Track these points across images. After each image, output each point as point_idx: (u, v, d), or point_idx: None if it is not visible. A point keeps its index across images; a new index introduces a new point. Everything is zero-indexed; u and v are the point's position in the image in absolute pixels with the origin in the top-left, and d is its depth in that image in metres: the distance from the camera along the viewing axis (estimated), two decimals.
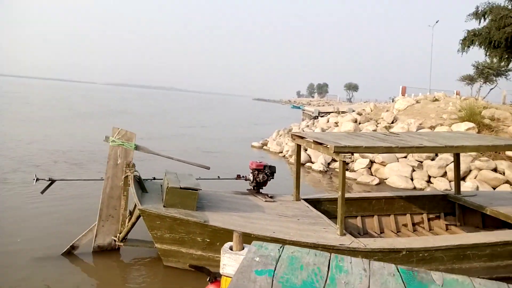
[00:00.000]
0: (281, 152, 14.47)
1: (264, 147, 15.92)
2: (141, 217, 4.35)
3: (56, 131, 15.68)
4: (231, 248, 1.50)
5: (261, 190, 5.77)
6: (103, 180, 4.88)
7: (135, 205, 4.98)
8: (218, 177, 6.11)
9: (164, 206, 4.36)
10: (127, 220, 4.79)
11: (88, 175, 8.31)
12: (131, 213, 4.93)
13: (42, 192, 4.88)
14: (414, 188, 9.95)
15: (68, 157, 10.69)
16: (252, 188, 5.79)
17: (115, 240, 4.82)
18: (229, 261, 1.42)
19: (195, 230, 4.24)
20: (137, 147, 4.75)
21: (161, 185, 5.13)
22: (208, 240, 4.27)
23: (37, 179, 4.77)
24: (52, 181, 4.81)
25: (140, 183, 4.77)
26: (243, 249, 1.48)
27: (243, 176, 5.91)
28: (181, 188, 4.40)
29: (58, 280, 4.32)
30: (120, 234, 4.77)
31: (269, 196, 5.61)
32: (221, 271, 1.47)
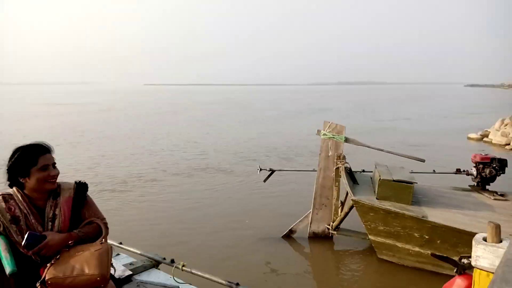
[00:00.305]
0: (508, 145, 12.20)
1: (484, 138, 13.79)
2: (354, 207, 4.41)
3: (268, 129, 17.66)
4: (484, 239, 1.34)
5: (487, 187, 5.00)
6: (315, 171, 5.18)
7: (346, 196, 5.09)
8: (434, 171, 5.63)
9: (376, 198, 4.30)
10: (339, 210, 4.94)
11: (299, 167, 8.98)
12: (342, 203, 5.07)
13: (265, 181, 5.55)
14: None
15: (279, 151, 11.90)
16: (475, 184, 5.08)
17: (328, 228, 5.05)
18: (484, 253, 1.28)
19: (412, 225, 4.01)
20: (346, 140, 4.84)
21: (371, 178, 5.08)
22: (426, 237, 3.98)
23: (260, 169, 5.44)
24: (273, 171, 5.41)
25: (351, 175, 4.84)
26: (501, 241, 1.30)
27: (464, 171, 5.25)
28: (394, 180, 4.24)
29: (279, 258, 4.83)
30: (333, 223, 4.96)
31: (498, 193, 4.81)
32: (473, 263, 1.34)
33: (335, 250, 5.09)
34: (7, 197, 1.93)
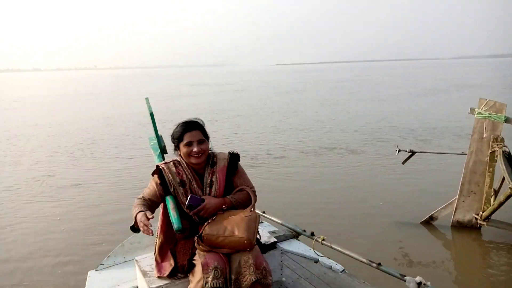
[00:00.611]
0: None
1: None
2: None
3: (401, 109, 16.44)
4: None
5: None
6: (464, 154, 4.66)
7: (502, 183, 4.48)
8: None
9: None
10: (492, 199, 4.38)
11: (439, 150, 8.22)
12: (496, 192, 4.48)
13: (403, 163, 5.23)
14: None
15: (415, 133, 11.00)
16: None
17: (476, 218, 4.54)
18: None
19: None
20: (507, 120, 4.20)
21: None
22: None
23: (399, 150, 5.13)
24: (413, 153, 5.05)
25: (509, 160, 4.22)
26: None
27: None
28: None
29: (417, 244, 4.54)
30: (483, 212, 4.44)
31: None
32: None
33: (483, 243, 4.57)
34: (176, 163, 2.25)
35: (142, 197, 2.15)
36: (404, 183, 6.65)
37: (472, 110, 4.39)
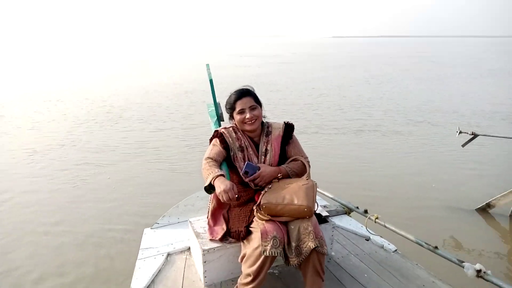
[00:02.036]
0: None
1: None
2: None
3: (457, 91, 15.35)
4: None
5: None
6: None
7: None
8: None
9: None
10: None
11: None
12: None
13: (463, 145, 4.94)
14: None
15: (468, 118, 10.32)
16: None
17: None
18: None
19: None
20: None
21: None
22: None
23: (460, 132, 4.84)
24: (475, 136, 4.74)
25: None
26: None
27: None
28: None
29: (471, 231, 4.35)
30: None
31: None
32: None
33: None
34: (235, 129, 2.27)
35: (210, 158, 2.14)
36: (461, 167, 6.34)
37: None
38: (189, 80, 18.34)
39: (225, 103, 2.31)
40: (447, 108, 11.44)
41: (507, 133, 7.41)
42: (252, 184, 2.18)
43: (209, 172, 2.01)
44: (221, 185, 1.90)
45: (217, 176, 1.97)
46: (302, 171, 2.24)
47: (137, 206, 4.95)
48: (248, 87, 2.29)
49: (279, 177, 2.15)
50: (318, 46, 77.00)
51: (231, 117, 2.30)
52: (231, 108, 2.25)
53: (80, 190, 5.49)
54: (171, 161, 6.73)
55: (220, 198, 1.90)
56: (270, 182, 2.13)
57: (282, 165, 2.24)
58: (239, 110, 2.20)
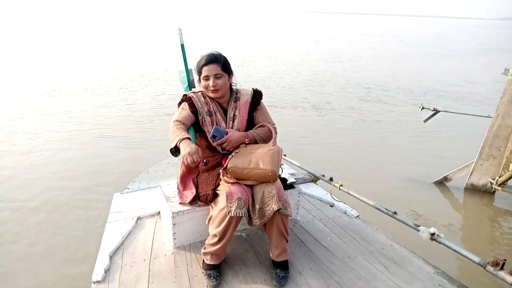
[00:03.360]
0: None
1: None
2: None
3: (422, 68, 15.72)
4: None
5: None
6: (490, 117, 4.57)
7: None
8: None
9: None
10: (511, 165, 4.34)
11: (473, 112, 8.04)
12: None
13: (425, 121, 5.16)
14: None
15: (432, 94, 10.71)
16: None
17: (492, 183, 4.54)
18: None
19: None
20: None
21: None
22: None
23: (423, 108, 5.05)
24: (436, 111, 4.97)
25: None
26: None
27: None
28: None
29: (428, 203, 4.60)
30: (499, 177, 4.42)
31: None
32: None
33: (494, 207, 4.59)
34: (204, 94, 2.28)
35: (178, 120, 2.14)
36: (424, 142, 6.63)
37: (506, 71, 4.22)
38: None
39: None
40: (404, 86, 11.80)
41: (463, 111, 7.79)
42: (219, 148, 2.21)
43: (176, 135, 2.02)
44: (186, 148, 1.91)
45: (183, 139, 1.98)
46: (269, 137, 2.29)
47: (105, 175, 4.89)
48: (216, 53, 2.25)
49: (246, 142, 2.19)
50: (288, 22, 76.20)
51: (199, 81, 2.29)
52: (198, 73, 2.25)
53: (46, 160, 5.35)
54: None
55: (184, 160, 1.91)
56: (237, 147, 2.18)
57: (250, 131, 2.28)
58: (204, 76, 2.20)
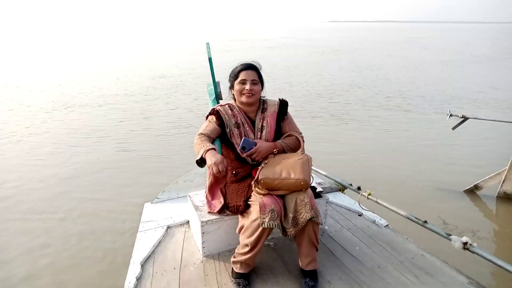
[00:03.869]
0: None
1: None
2: None
3: (442, 76, 15.30)
4: None
5: None
6: None
7: None
8: None
9: None
10: None
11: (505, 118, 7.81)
12: None
13: (454, 128, 5.03)
14: None
15: (455, 101, 10.46)
16: None
17: None
18: None
19: None
20: None
21: None
22: None
23: (451, 115, 4.93)
24: (465, 118, 4.84)
25: None
26: None
27: None
28: None
29: (459, 212, 4.47)
30: None
31: None
32: None
33: None
34: (231, 106, 2.32)
35: (203, 133, 2.19)
36: (451, 150, 6.48)
37: None
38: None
39: (230, 72, 2.34)
40: (427, 94, 11.57)
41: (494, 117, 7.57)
42: (249, 159, 2.25)
43: (201, 146, 2.07)
44: (212, 158, 1.96)
45: (208, 149, 2.03)
46: (296, 146, 2.31)
47: (136, 186, 5.01)
48: (255, 62, 2.33)
49: (275, 152, 2.22)
50: (311, 31, 76.17)
51: (232, 87, 2.33)
52: (234, 77, 2.28)
53: (72, 172, 5.53)
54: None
55: (211, 170, 1.96)
56: (266, 157, 2.20)
57: (278, 141, 2.30)
58: (240, 80, 2.24)
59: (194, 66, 17.30)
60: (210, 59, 2.61)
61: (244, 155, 2.21)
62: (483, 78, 14.78)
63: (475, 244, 2.09)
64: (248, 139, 2.21)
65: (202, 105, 9.53)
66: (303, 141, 2.32)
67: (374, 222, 2.75)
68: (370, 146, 6.68)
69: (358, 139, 7.07)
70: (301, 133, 2.39)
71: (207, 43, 2.62)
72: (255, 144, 2.21)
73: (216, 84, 2.68)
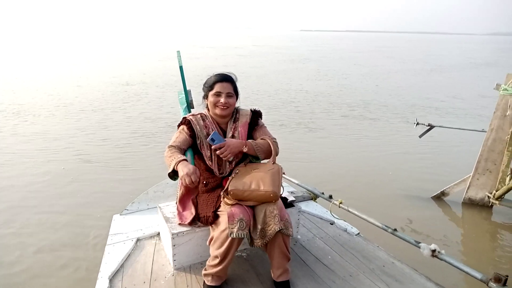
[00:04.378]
0: None
1: None
2: None
3: (405, 84, 15.80)
4: None
5: None
6: (484, 132, 4.62)
7: None
8: None
9: None
10: (507, 178, 4.38)
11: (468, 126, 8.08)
12: None
13: (421, 136, 5.21)
14: None
15: (416, 107, 10.84)
16: None
17: (489, 197, 4.56)
18: None
19: None
20: None
21: None
22: None
23: (417, 123, 5.10)
24: (432, 127, 5.02)
25: None
26: None
27: None
28: None
29: (427, 218, 4.59)
30: (496, 191, 4.45)
31: None
32: None
33: (493, 222, 4.59)
34: (203, 116, 2.28)
35: (173, 146, 2.15)
36: (418, 157, 6.66)
37: (497, 86, 4.30)
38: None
39: (204, 82, 2.28)
40: (393, 103, 11.92)
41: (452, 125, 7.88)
42: (217, 172, 2.21)
43: (172, 159, 2.03)
44: (184, 169, 1.93)
45: (180, 161, 1.99)
46: (267, 149, 2.23)
47: (103, 195, 4.86)
48: (231, 74, 2.28)
49: (245, 150, 2.15)
50: (282, 40, 77.01)
51: (206, 97, 2.28)
52: (209, 88, 2.23)
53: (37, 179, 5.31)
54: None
55: (183, 181, 1.92)
56: (237, 166, 2.18)
57: (249, 140, 2.24)
58: (215, 92, 2.19)
59: (160, 74, 17.10)
60: (181, 67, 2.57)
61: (213, 147, 2.14)
62: (444, 87, 15.31)
63: (443, 251, 2.14)
64: (217, 133, 2.17)
65: (165, 114, 9.31)
66: (277, 146, 2.26)
67: (345, 230, 2.78)
68: (339, 154, 6.78)
69: (325, 148, 7.16)
70: (274, 138, 2.33)
71: (178, 51, 2.58)
72: (225, 140, 2.16)
73: (187, 93, 2.64)
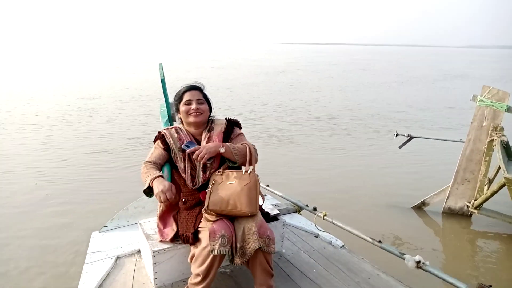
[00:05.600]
0: None
1: None
2: (506, 186, 3.92)
3: (381, 96, 15.98)
4: None
5: None
6: (462, 142, 4.72)
7: (497, 172, 4.55)
8: None
9: None
10: (485, 188, 4.47)
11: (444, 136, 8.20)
12: (490, 181, 4.56)
13: (400, 147, 5.28)
14: None
15: (396, 119, 11.06)
16: None
17: (468, 206, 4.64)
18: None
19: None
20: (509, 109, 4.24)
21: None
22: None
23: (397, 134, 5.17)
24: (411, 137, 5.10)
25: (507, 150, 4.29)
26: None
27: None
28: None
29: (407, 228, 4.63)
30: (475, 200, 4.53)
31: None
32: None
33: (472, 231, 4.66)
34: (178, 129, 2.25)
35: (149, 161, 2.12)
36: (398, 168, 6.74)
37: (474, 97, 4.41)
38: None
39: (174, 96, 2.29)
40: (368, 114, 12.13)
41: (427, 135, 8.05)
42: (195, 182, 2.15)
43: (147, 175, 2.00)
44: (159, 186, 1.90)
45: (156, 177, 1.96)
46: (245, 153, 2.14)
47: (81, 210, 4.71)
48: (198, 83, 2.28)
49: (222, 151, 2.06)
50: (261, 52, 77.51)
51: (178, 110, 2.26)
52: (179, 99, 2.23)
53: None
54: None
55: (158, 198, 1.89)
56: (212, 175, 2.11)
57: (226, 143, 2.17)
58: (186, 101, 2.19)
59: (133, 87, 16.88)
60: (162, 80, 2.54)
61: (188, 151, 2.09)
62: (415, 98, 15.60)
63: (427, 262, 2.14)
64: (193, 142, 2.16)
65: (135, 128, 9.11)
66: (256, 153, 2.18)
67: (330, 243, 2.76)
68: (315, 167, 6.76)
69: (300, 160, 7.13)
70: (253, 145, 2.24)
71: (160, 64, 2.55)
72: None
73: (169, 106, 2.60)
